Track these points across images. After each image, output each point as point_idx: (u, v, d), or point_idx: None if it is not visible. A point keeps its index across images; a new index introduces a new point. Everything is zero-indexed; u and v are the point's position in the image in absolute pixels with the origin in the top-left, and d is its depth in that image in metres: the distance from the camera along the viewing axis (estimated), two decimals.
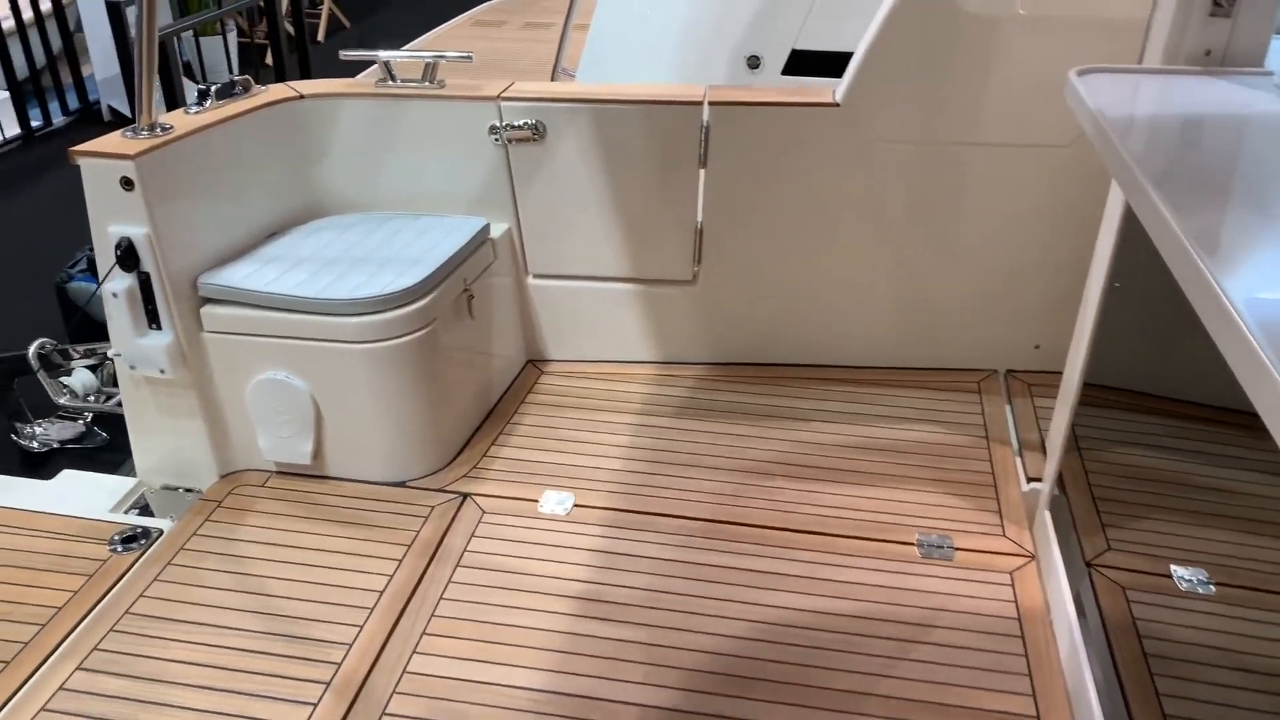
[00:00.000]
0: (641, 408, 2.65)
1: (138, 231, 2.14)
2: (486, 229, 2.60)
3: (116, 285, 2.18)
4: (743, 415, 2.62)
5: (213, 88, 2.37)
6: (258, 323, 2.25)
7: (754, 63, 3.04)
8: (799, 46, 2.99)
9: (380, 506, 2.30)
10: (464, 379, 2.51)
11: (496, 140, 2.58)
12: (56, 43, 6.05)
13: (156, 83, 2.18)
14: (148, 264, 2.16)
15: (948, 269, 2.66)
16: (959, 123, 2.47)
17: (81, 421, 2.98)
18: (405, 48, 5.54)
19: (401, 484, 2.37)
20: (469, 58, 2.53)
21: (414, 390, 2.33)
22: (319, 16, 7.62)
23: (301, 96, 2.53)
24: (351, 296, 2.21)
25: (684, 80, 3.13)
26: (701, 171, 2.59)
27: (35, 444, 2.92)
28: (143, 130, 2.16)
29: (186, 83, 5.85)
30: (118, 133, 2.16)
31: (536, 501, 2.30)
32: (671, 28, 3.16)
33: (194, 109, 2.33)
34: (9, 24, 5.70)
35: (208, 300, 2.28)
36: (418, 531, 2.21)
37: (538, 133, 2.56)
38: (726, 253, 2.69)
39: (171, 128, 2.20)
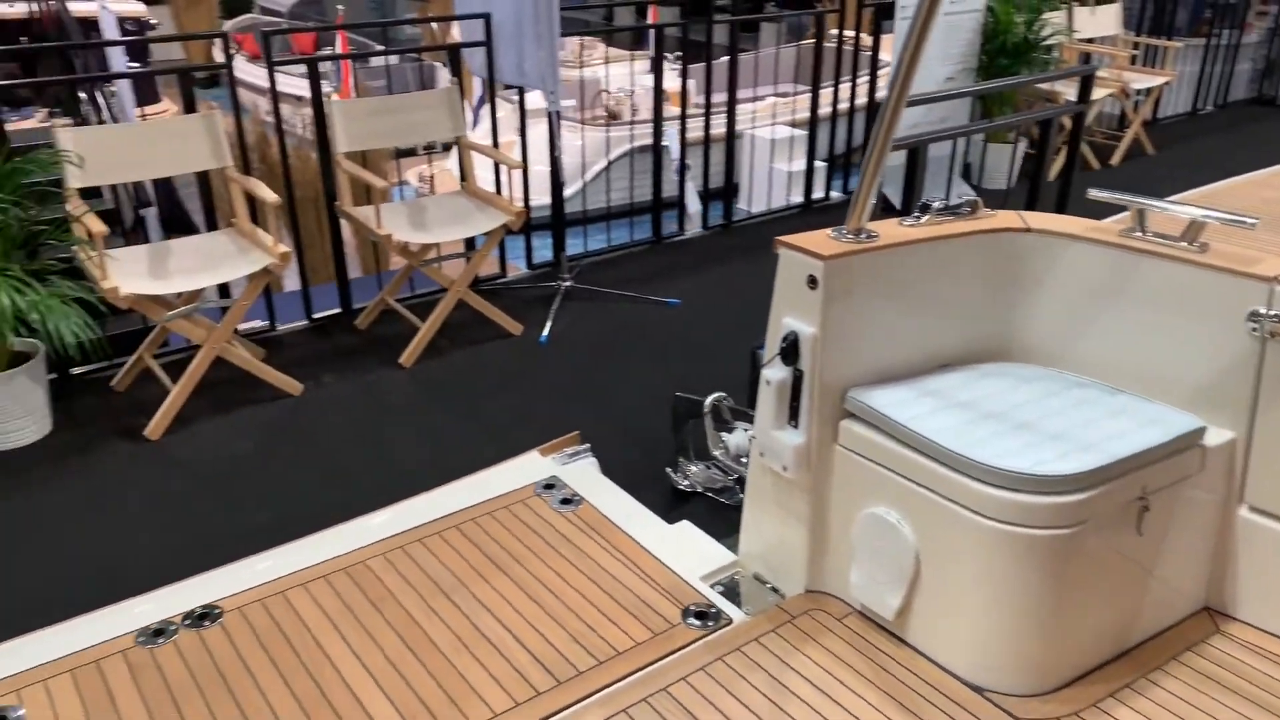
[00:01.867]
0: None
1: (806, 330, 2.11)
2: (1199, 433, 2.04)
3: (773, 374, 2.19)
4: None
5: (935, 204, 2.24)
6: (889, 454, 2.07)
7: None
8: None
9: (947, 707, 1.95)
10: (1101, 602, 2.01)
11: (1255, 330, 2.00)
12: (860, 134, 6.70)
13: (876, 189, 2.11)
14: (805, 363, 2.13)
15: None
16: None
17: (728, 476, 3.15)
18: (1186, 194, 4.83)
19: (980, 690, 1.98)
20: (1252, 223, 1.99)
21: (1033, 593, 1.92)
22: (1120, 138, 7.16)
23: (1028, 229, 2.27)
24: (994, 464, 1.89)
25: None
26: None
27: (686, 483, 3.18)
28: (847, 234, 2.12)
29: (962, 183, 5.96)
30: (825, 231, 2.16)
31: None
32: None
33: (909, 221, 2.23)
34: (844, 106, 6.54)
35: (850, 415, 2.16)
36: None
37: None
38: None
39: (876, 236, 2.13)
